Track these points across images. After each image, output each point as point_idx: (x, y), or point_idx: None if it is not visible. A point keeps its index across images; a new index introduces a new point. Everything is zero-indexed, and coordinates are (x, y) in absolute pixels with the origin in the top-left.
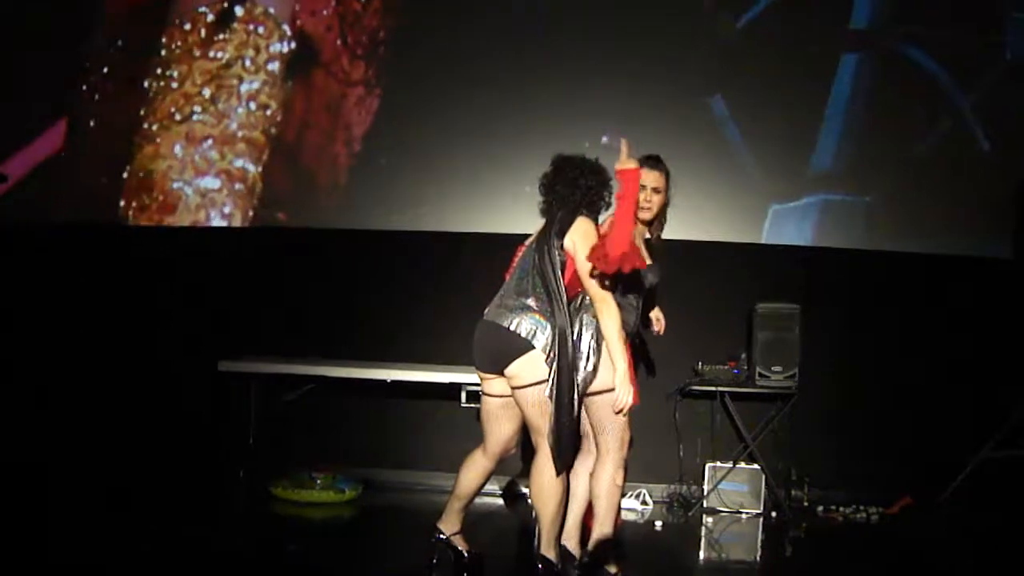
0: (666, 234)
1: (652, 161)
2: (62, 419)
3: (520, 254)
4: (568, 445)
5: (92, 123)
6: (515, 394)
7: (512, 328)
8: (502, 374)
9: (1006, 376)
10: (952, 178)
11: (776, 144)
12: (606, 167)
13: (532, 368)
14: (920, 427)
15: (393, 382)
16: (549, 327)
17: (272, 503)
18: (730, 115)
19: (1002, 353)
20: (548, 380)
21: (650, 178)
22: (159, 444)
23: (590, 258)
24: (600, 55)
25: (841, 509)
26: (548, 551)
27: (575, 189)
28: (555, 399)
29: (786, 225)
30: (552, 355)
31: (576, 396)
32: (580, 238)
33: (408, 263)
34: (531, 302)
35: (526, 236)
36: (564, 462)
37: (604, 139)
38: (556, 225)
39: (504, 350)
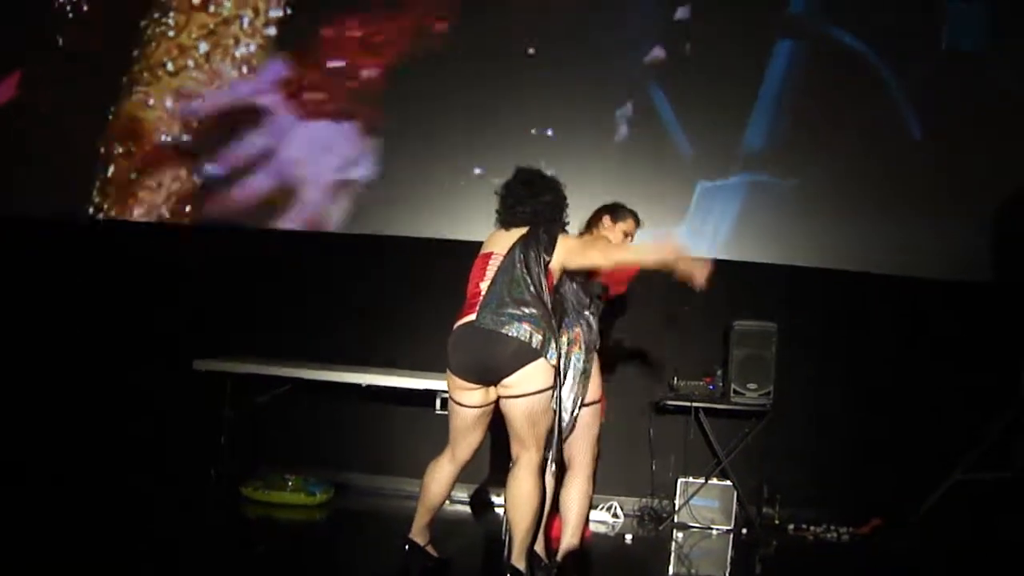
0: None
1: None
2: (34, 418)
3: (496, 263)
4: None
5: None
6: (508, 403)
7: (520, 336)
8: (489, 384)
9: (979, 398)
10: (881, 164)
11: (708, 123)
12: None
13: (539, 376)
14: (893, 448)
15: (368, 386)
16: (552, 336)
17: (243, 504)
18: (665, 96)
19: (976, 375)
20: (553, 388)
21: (631, 227)
22: (131, 443)
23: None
24: (541, 40)
25: (812, 528)
26: (519, 562)
27: (556, 204)
28: (559, 405)
29: (713, 203)
30: (559, 364)
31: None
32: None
33: (386, 268)
34: (532, 311)
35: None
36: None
37: (549, 132)
38: (543, 237)
39: (509, 359)
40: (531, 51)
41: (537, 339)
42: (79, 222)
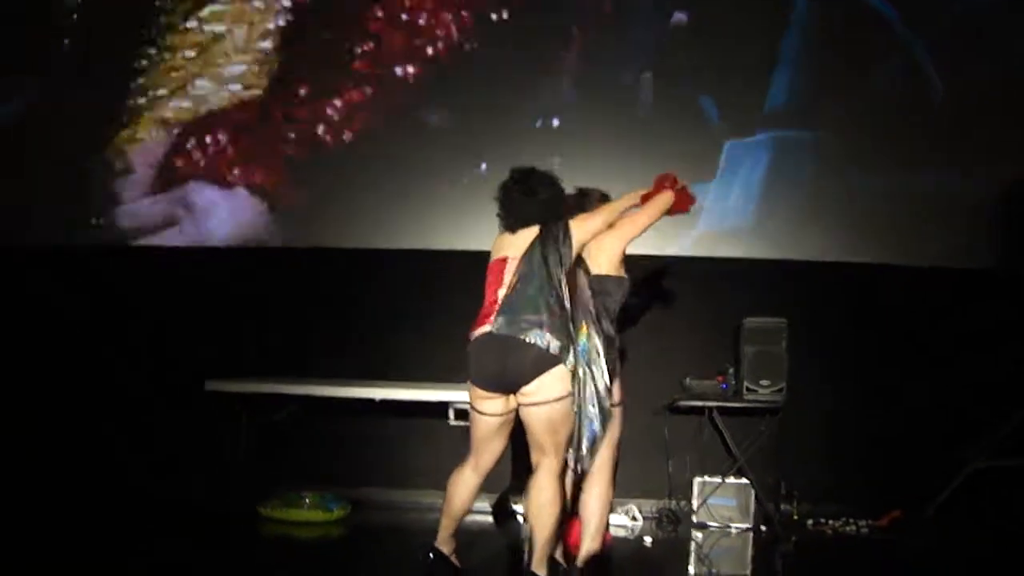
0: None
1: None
2: (50, 438)
3: (512, 267)
4: (590, 453)
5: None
6: (528, 411)
7: (538, 343)
8: (509, 392)
9: (995, 387)
10: (904, 116)
11: (731, 83)
12: None
13: (558, 383)
14: (909, 439)
15: (381, 401)
16: (570, 343)
17: (261, 523)
18: (687, 57)
19: (991, 365)
20: (572, 394)
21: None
22: (146, 465)
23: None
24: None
25: (831, 522)
26: (540, 568)
27: (557, 199)
28: (580, 411)
29: (742, 162)
30: (576, 370)
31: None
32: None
33: (394, 281)
34: (549, 318)
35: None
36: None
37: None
38: (559, 236)
39: (529, 366)
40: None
41: (556, 345)
42: (86, 242)
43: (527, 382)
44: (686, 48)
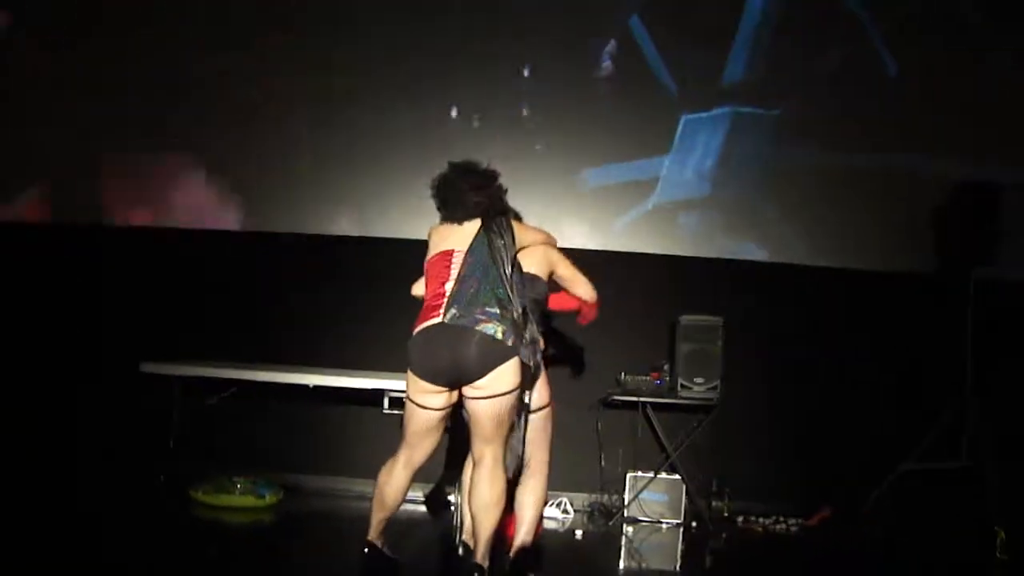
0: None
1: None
2: None
3: (459, 260)
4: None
5: None
6: (476, 403)
7: (494, 335)
8: (456, 386)
9: (927, 389)
10: (859, 96)
11: (690, 56)
12: None
13: (510, 376)
14: (841, 440)
15: (316, 387)
16: (522, 335)
17: (192, 507)
18: (647, 30)
19: (923, 367)
20: (522, 387)
21: None
22: (78, 445)
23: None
24: None
25: (761, 520)
26: (484, 560)
27: (501, 192)
28: (525, 406)
29: (697, 136)
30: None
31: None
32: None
33: (333, 269)
34: (501, 311)
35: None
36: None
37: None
38: (503, 231)
39: (484, 358)
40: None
41: (511, 337)
42: (25, 220)
43: (480, 376)
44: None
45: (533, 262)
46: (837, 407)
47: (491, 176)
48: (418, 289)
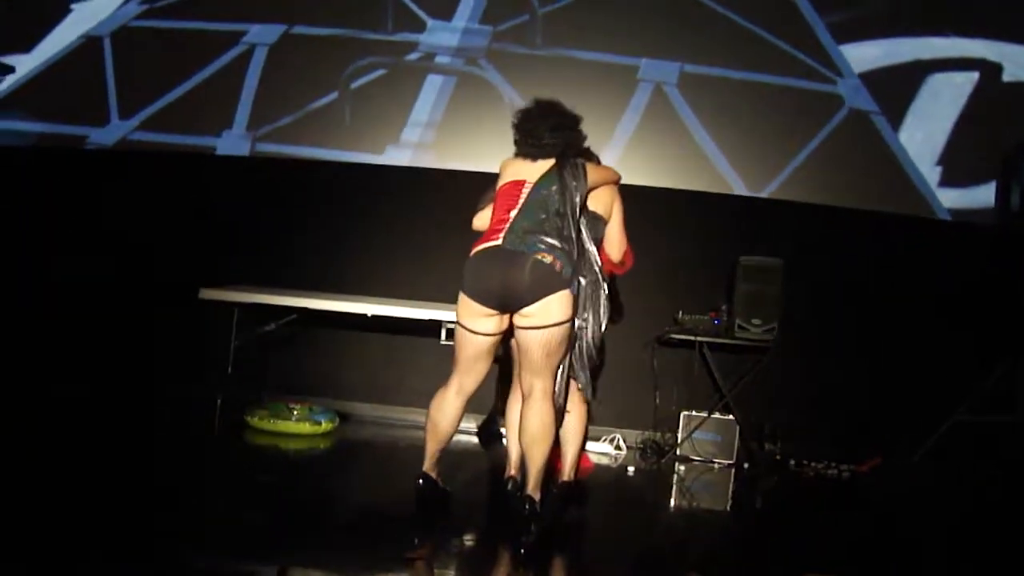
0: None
1: None
2: (38, 346)
3: (527, 190)
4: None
5: None
6: (526, 334)
7: (547, 262)
8: (506, 310)
9: (985, 340)
10: None
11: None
12: None
13: (560, 308)
14: (896, 388)
15: (373, 316)
16: (576, 271)
17: (248, 432)
18: None
19: (982, 318)
20: (572, 320)
21: None
22: (137, 371)
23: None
24: None
25: (813, 464)
26: (536, 492)
27: (579, 136)
28: (586, 338)
29: None
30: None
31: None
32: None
33: (394, 199)
34: (562, 243)
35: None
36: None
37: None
38: (577, 172)
39: (536, 283)
40: None
41: (567, 270)
42: (84, 146)
43: (530, 301)
44: None
45: (600, 203)
46: (895, 354)
47: (572, 118)
48: (479, 221)
